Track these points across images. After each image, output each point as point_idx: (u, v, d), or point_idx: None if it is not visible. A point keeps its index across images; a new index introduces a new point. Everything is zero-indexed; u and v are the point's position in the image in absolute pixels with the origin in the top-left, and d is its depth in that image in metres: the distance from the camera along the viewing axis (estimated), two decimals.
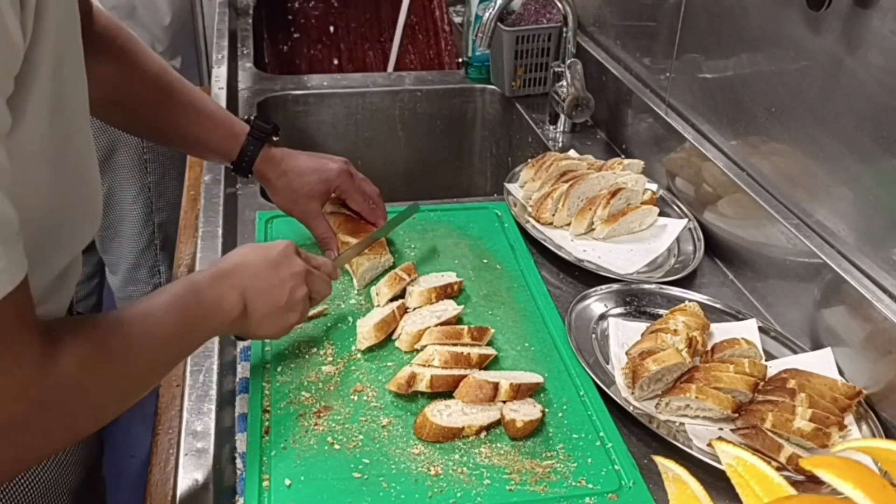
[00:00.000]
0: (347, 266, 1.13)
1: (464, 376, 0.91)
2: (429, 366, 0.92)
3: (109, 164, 1.81)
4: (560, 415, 0.91)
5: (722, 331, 1.03)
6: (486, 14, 1.48)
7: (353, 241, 1.13)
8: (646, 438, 0.90)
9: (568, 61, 1.57)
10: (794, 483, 0.59)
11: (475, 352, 0.95)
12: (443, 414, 0.87)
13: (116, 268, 1.99)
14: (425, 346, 0.96)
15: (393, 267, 1.14)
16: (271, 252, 0.87)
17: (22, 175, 0.62)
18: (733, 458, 0.60)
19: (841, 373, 0.96)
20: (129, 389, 0.72)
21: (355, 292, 1.10)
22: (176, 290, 0.77)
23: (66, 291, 0.79)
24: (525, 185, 1.34)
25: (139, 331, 0.71)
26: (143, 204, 1.88)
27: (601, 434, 0.88)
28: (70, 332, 0.65)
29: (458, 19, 2.10)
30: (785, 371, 0.94)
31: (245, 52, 1.97)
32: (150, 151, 1.83)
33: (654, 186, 1.32)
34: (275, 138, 1.13)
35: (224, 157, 1.12)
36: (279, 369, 0.95)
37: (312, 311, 1.01)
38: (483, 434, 0.87)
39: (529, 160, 1.40)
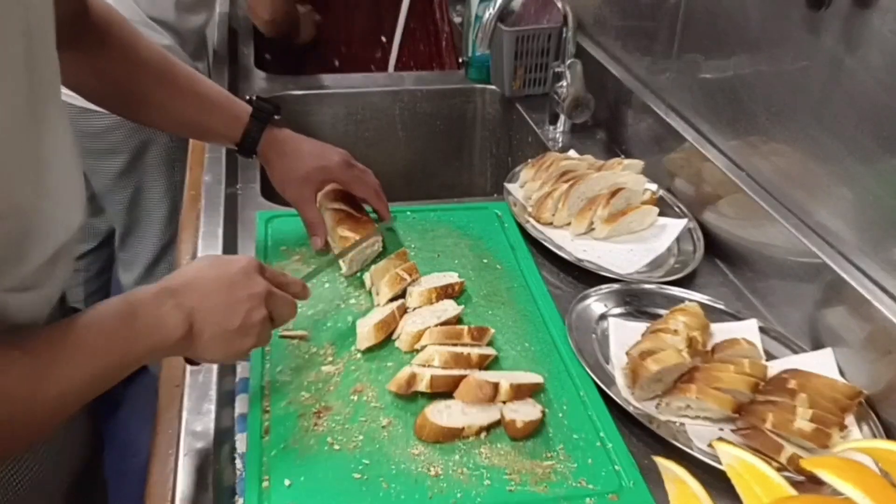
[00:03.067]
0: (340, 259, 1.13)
1: (464, 376, 0.91)
2: (429, 366, 0.92)
3: (140, 163, 1.80)
4: (560, 415, 0.91)
5: (722, 331, 1.03)
6: (486, 14, 1.48)
7: (354, 236, 1.12)
8: (646, 439, 0.90)
9: (568, 61, 1.57)
10: (794, 483, 0.59)
11: (475, 352, 0.95)
12: (443, 414, 0.87)
13: (132, 265, 1.98)
14: (425, 347, 0.96)
15: (383, 252, 1.15)
16: (230, 269, 0.81)
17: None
18: (733, 459, 0.60)
19: (841, 373, 0.96)
20: (50, 411, 0.68)
21: (356, 293, 1.10)
22: (113, 305, 0.72)
23: (58, 277, 0.78)
24: (525, 185, 1.34)
25: (64, 351, 0.67)
26: (170, 203, 1.88)
27: (601, 434, 0.88)
28: None
29: (458, 19, 2.10)
30: (785, 371, 0.94)
31: (245, 52, 1.97)
32: (179, 150, 1.82)
33: (653, 186, 1.32)
34: (276, 117, 1.13)
35: (228, 140, 1.12)
36: (279, 369, 0.94)
37: (290, 333, 1.00)
38: (483, 434, 0.87)
39: (529, 160, 1.40)
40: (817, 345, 1.01)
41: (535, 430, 0.87)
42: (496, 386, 0.89)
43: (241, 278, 0.80)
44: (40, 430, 0.70)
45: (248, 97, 1.14)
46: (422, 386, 0.90)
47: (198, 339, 0.77)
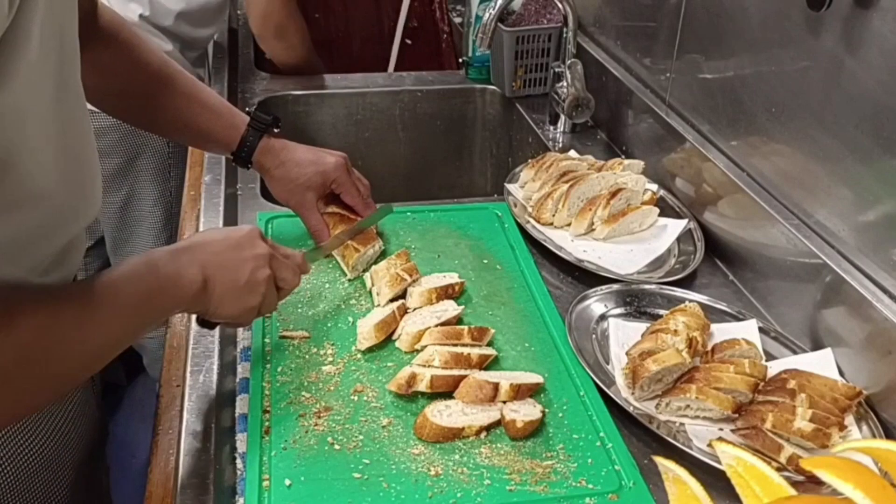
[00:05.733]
0: (339, 258, 1.13)
1: (464, 376, 0.91)
2: (429, 366, 0.92)
3: (133, 168, 1.79)
4: (560, 415, 0.91)
5: (722, 331, 1.03)
6: (487, 14, 1.49)
7: (361, 247, 1.13)
8: (646, 439, 0.90)
9: (568, 62, 1.57)
10: (794, 483, 0.59)
11: (475, 352, 0.95)
12: (443, 414, 0.87)
13: None
14: (425, 347, 0.96)
15: (384, 253, 1.15)
16: (235, 234, 0.87)
17: (31, 154, 0.64)
18: (733, 459, 0.60)
19: (841, 373, 0.96)
20: (86, 359, 0.72)
21: (356, 294, 1.10)
22: (134, 262, 0.77)
23: (70, 265, 0.81)
24: (525, 186, 1.34)
25: (97, 301, 0.71)
26: (163, 209, 1.87)
27: (601, 434, 0.88)
28: (28, 300, 0.66)
29: (458, 19, 2.10)
30: (785, 371, 0.94)
31: (245, 52, 1.97)
32: (174, 157, 1.81)
33: (654, 187, 1.32)
34: (275, 130, 1.14)
35: (224, 148, 1.13)
36: (279, 369, 0.95)
37: (291, 333, 1.00)
38: (483, 434, 0.87)
39: (530, 160, 1.40)
40: (817, 345, 1.01)
41: (535, 429, 0.87)
42: (496, 386, 0.89)
43: (245, 241, 0.87)
44: (87, 372, 0.75)
45: (247, 109, 1.14)
46: (422, 386, 0.90)
47: (211, 293, 0.81)
